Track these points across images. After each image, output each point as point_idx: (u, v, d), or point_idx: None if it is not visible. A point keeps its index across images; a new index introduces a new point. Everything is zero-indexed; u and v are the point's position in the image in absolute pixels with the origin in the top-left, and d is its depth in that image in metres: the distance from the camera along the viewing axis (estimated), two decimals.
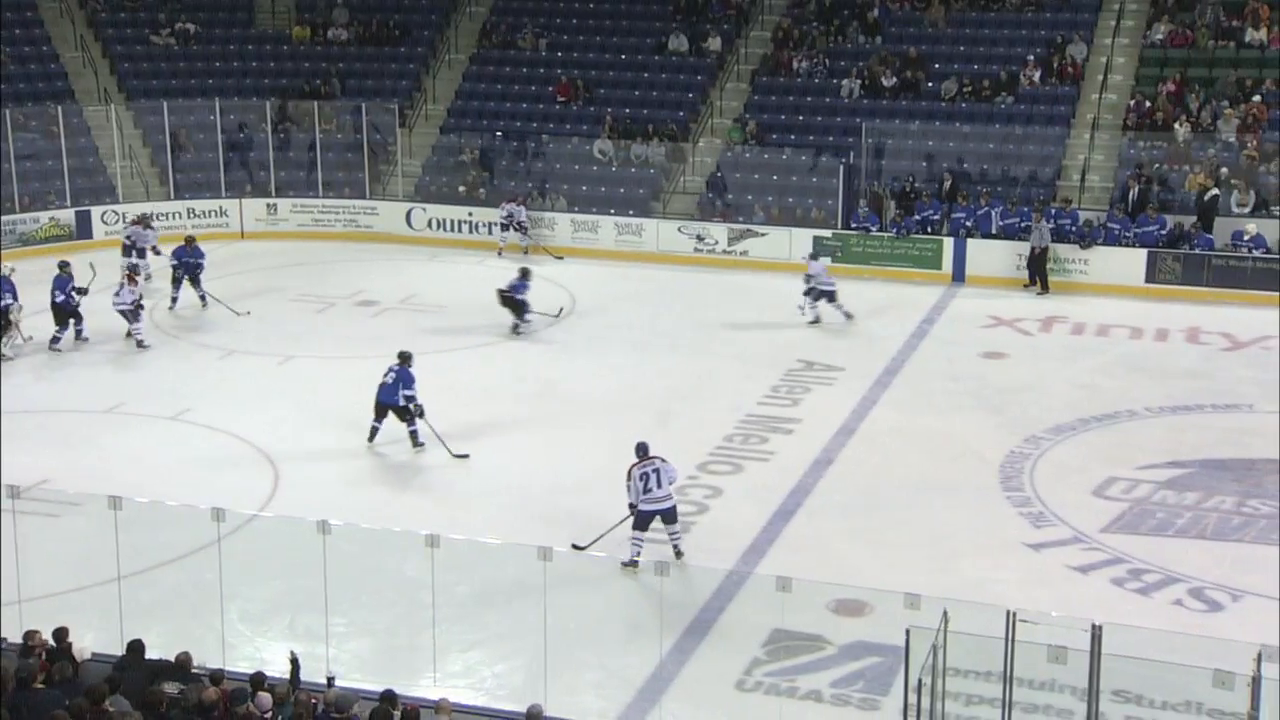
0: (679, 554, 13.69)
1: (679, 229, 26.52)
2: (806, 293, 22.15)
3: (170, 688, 9.57)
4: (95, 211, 27.04)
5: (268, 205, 28.29)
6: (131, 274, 21.77)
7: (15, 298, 20.42)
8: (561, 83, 29.82)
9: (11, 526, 12.18)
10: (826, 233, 25.65)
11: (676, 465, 13.95)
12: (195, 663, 10.31)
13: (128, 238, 24.27)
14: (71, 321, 20.65)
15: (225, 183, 28.40)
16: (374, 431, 16.88)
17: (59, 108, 27.78)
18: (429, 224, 27.79)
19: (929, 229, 25.26)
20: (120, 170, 28.30)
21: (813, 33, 29.53)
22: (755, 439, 17.36)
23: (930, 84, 28.01)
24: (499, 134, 29.05)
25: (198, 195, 28.19)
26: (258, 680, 9.85)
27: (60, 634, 10.38)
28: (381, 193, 28.80)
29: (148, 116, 29.05)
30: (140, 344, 20.60)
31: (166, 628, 11.63)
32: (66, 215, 26.65)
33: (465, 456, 16.65)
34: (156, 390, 18.95)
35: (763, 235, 25.98)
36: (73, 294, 20.52)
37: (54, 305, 20.49)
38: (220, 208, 28.09)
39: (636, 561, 13.48)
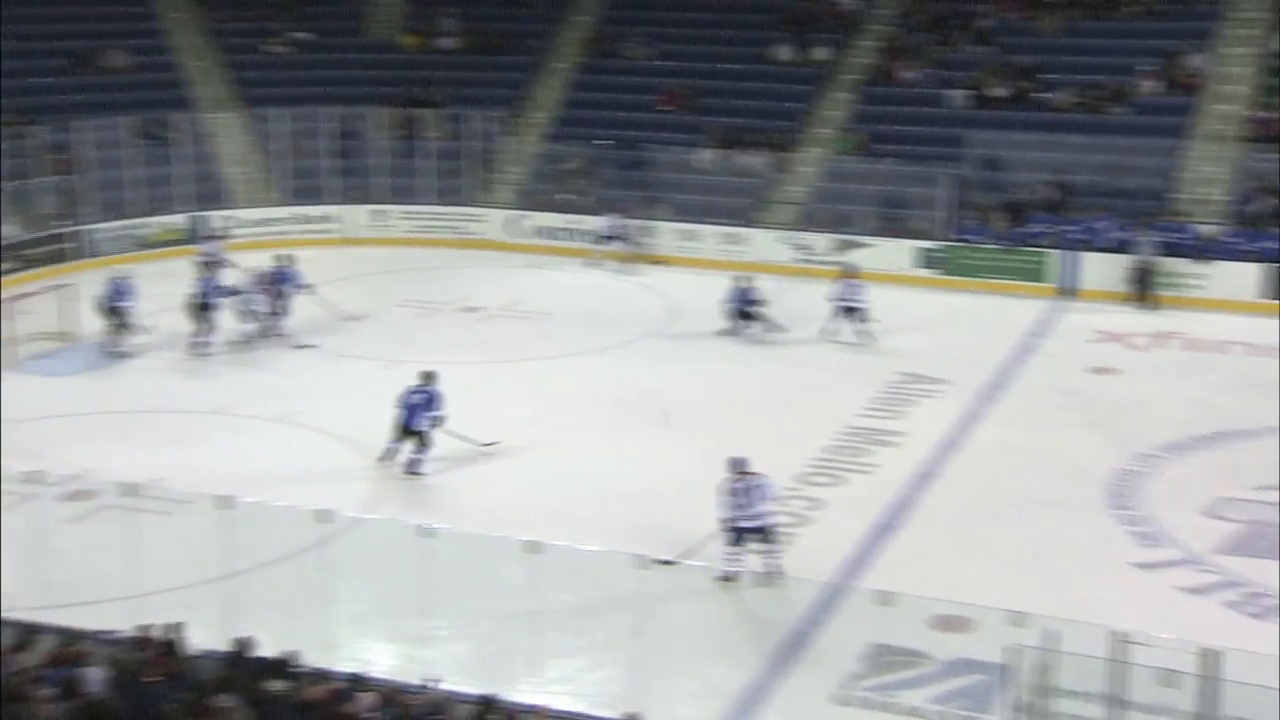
0: (777, 573, 13.46)
1: (780, 238, 26.41)
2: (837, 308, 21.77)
3: (277, 685, 9.73)
4: (212, 216, 27.63)
5: (375, 211, 28.70)
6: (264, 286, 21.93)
7: (133, 299, 20.97)
8: (667, 92, 29.87)
9: (128, 523, 12.48)
10: (932, 244, 25.37)
11: (773, 476, 13.85)
12: (301, 661, 10.47)
13: (205, 253, 24.14)
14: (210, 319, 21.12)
15: (335, 188, 28.86)
16: (391, 452, 16.42)
17: (179, 115, 28.44)
18: (533, 231, 28.00)
19: (1037, 241, 24.85)
20: (235, 176, 28.92)
21: (922, 43, 29.24)
22: (857, 451, 17.21)
23: (1041, 94, 27.57)
24: (603, 142, 29.17)
25: (309, 201, 28.69)
26: (360, 681, 9.97)
27: (173, 629, 10.61)
28: (487, 200, 29.07)
29: (262, 123, 29.65)
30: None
31: (273, 626, 11.78)
32: (183, 220, 27.26)
33: (495, 444, 16.74)
34: (266, 392, 19.31)
35: (866, 245, 25.77)
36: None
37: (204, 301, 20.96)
38: (329, 213, 28.56)
39: (734, 575, 13.40)
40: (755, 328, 21.82)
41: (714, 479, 13.94)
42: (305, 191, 28.91)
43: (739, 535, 13.42)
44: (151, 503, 13.90)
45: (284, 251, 22.71)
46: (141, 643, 10.44)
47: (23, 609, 11.38)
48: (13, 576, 12.81)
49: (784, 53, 30.05)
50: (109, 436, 17.64)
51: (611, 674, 12.03)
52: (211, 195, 28.40)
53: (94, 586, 13.04)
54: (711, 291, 24.78)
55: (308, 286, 22.41)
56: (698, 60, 30.70)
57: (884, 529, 14.95)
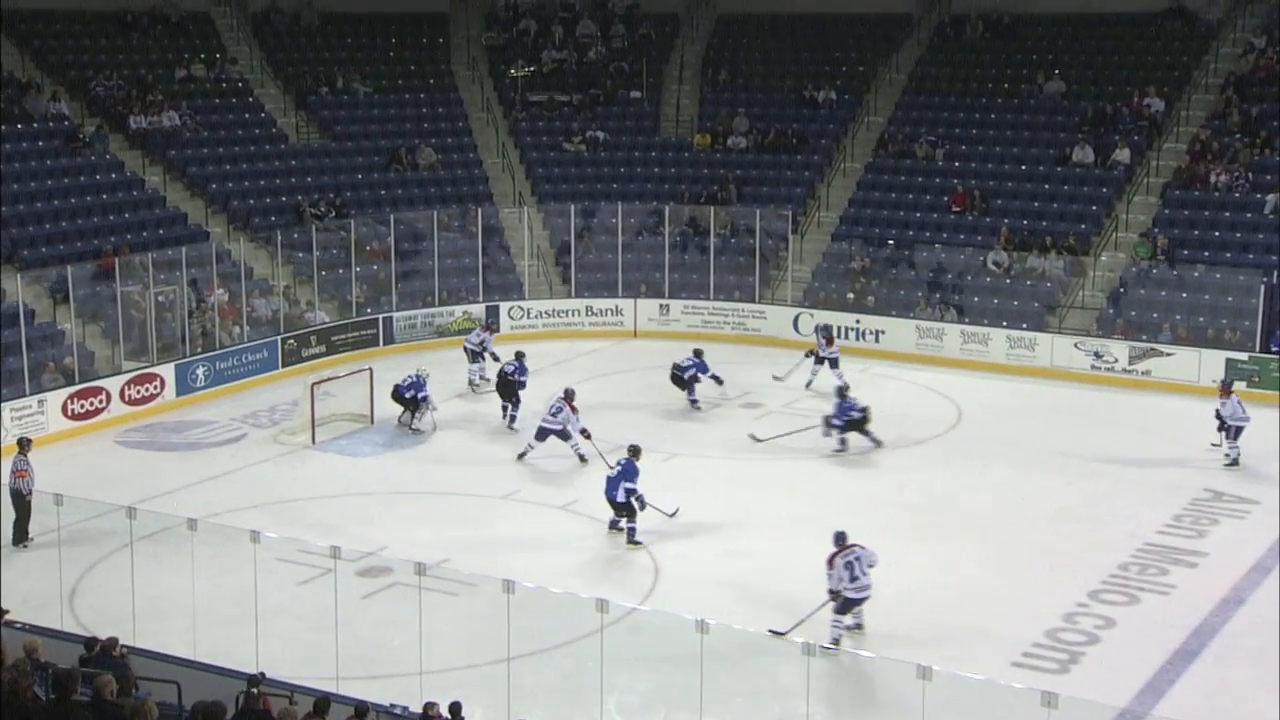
0: (858, 627, 14.19)
1: (1075, 345, 25.48)
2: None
3: None
4: (504, 307, 28.71)
5: (661, 306, 29.21)
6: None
7: (425, 390, 21.95)
8: (958, 192, 29.47)
9: (417, 601, 12.88)
10: (1242, 355, 23.99)
11: (1056, 589, 13.26)
12: None
13: (479, 342, 24.92)
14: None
15: (622, 283, 29.57)
16: (614, 523, 17.38)
17: (479, 209, 29.80)
18: (816, 329, 27.87)
19: None
20: (528, 269, 30.02)
21: (1234, 145, 27.95)
22: (1154, 569, 16.28)
23: None
24: (890, 242, 28.95)
25: (596, 294, 29.47)
26: None
27: (455, 708, 10.84)
28: (771, 297, 29.19)
29: (555, 219, 30.73)
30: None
31: (548, 712, 11.94)
32: (478, 309, 28.41)
33: (675, 513, 17.42)
34: (548, 480, 19.75)
35: (1168, 355, 24.56)
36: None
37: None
38: (616, 306, 29.24)
39: (839, 641, 13.83)
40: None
41: (994, 585, 13.43)
42: (594, 285, 29.70)
43: (846, 604, 13.95)
44: (439, 582, 14.32)
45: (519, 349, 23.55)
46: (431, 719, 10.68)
47: (317, 679, 11.85)
48: (307, 645, 13.41)
49: (1083, 154, 29.23)
50: (400, 516, 18.35)
51: None
52: (507, 286, 29.52)
53: (383, 661, 13.50)
54: (999, 396, 24.15)
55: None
56: (991, 161, 30.23)
57: (1184, 655, 14.02)
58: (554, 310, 29.10)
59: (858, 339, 27.32)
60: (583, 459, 20.19)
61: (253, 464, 20.57)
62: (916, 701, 10.64)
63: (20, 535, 16.75)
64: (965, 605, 15.18)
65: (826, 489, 19.41)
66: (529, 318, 28.80)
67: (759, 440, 21.18)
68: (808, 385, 24.35)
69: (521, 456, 20.41)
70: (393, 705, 11.57)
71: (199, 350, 24.46)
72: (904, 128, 31.54)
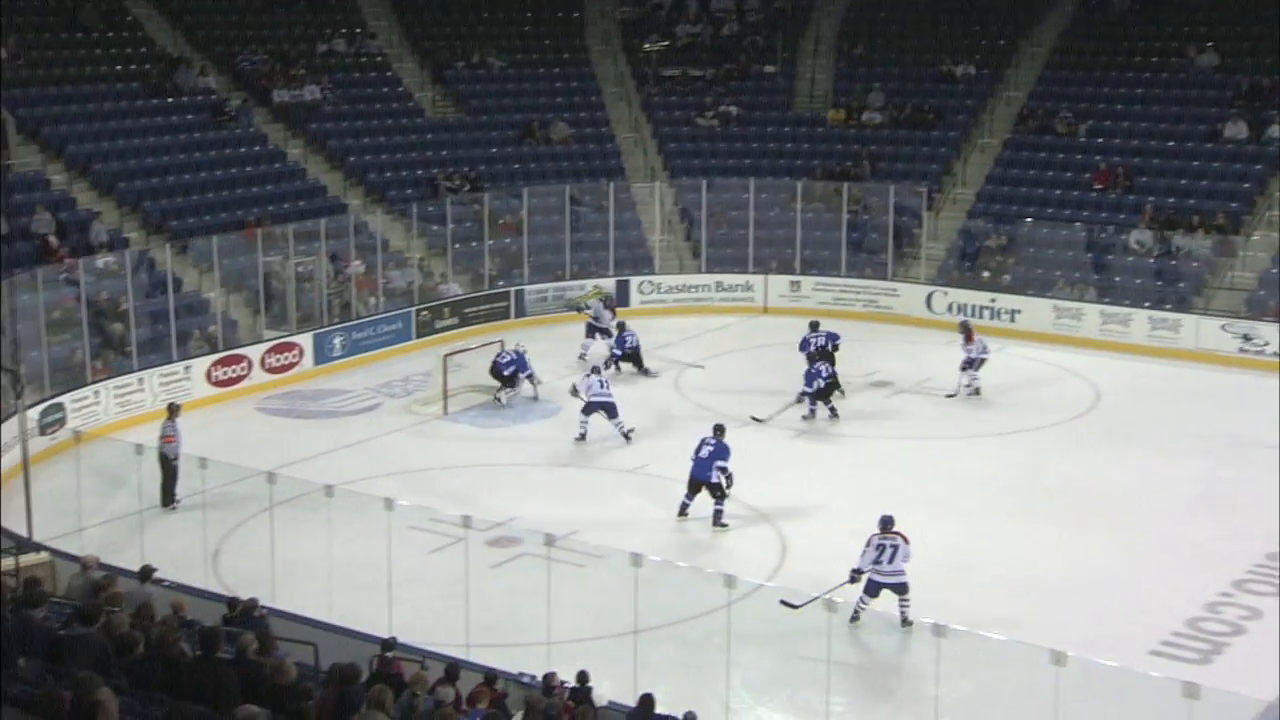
0: (906, 622, 13.76)
1: (1223, 326, 24.68)
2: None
3: None
4: (634, 281, 28.77)
5: (791, 282, 29.00)
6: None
7: (524, 369, 22.12)
8: (1100, 169, 28.70)
9: (545, 572, 13.01)
10: None
11: (1198, 577, 12.88)
12: None
13: (594, 317, 25.05)
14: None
15: (753, 258, 29.42)
16: (684, 507, 17.13)
17: (611, 184, 29.88)
18: (949, 308, 27.43)
19: None
20: (658, 243, 30.03)
21: None
22: None
23: None
24: (1028, 219, 28.33)
25: (727, 269, 29.36)
26: None
27: (582, 677, 10.94)
28: (903, 274, 28.80)
29: (687, 194, 30.67)
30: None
31: (674, 686, 11.96)
32: (608, 284, 28.51)
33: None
34: (676, 456, 19.73)
35: None
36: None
37: None
38: (747, 282, 29.10)
39: (857, 616, 13.78)
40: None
41: (1127, 572, 13.09)
42: (725, 260, 29.60)
43: (874, 587, 13.88)
44: (567, 554, 14.44)
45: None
46: (553, 689, 10.80)
47: (447, 645, 12.04)
48: (438, 613, 13.63)
49: (1235, 130, 28.26)
50: (529, 488, 18.54)
51: None
52: (637, 261, 29.57)
53: (511, 630, 13.67)
54: (1140, 378, 23.55)
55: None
56: (1137, 137, 29.37)
57: None
58: (684, 285, 29.09)
59: (992, 318, 26.80)
60: (628, 437, 20.20)
61: (386, 433, 20.95)
62: (1049, 686, 10.44)
63: (168, 497, 17.30)
64: (1100, 591, 14.85)
65: (956, 470, 19.12)
66: (659, 292, 28.82)
67: (759, 420, 20.98)
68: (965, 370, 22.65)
69: (581, 438, 20.33)
70: (520, 674, 11.73)
71: (336, 320, 24.97)
72: (1045, 103, 30.79)
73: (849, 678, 12.56)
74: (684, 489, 17.19)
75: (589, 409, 20.30)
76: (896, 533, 14.01)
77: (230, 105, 28.86)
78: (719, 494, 16.99)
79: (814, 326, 23.14)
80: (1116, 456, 19.63)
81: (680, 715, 10.61)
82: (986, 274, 27.89)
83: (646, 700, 10.60)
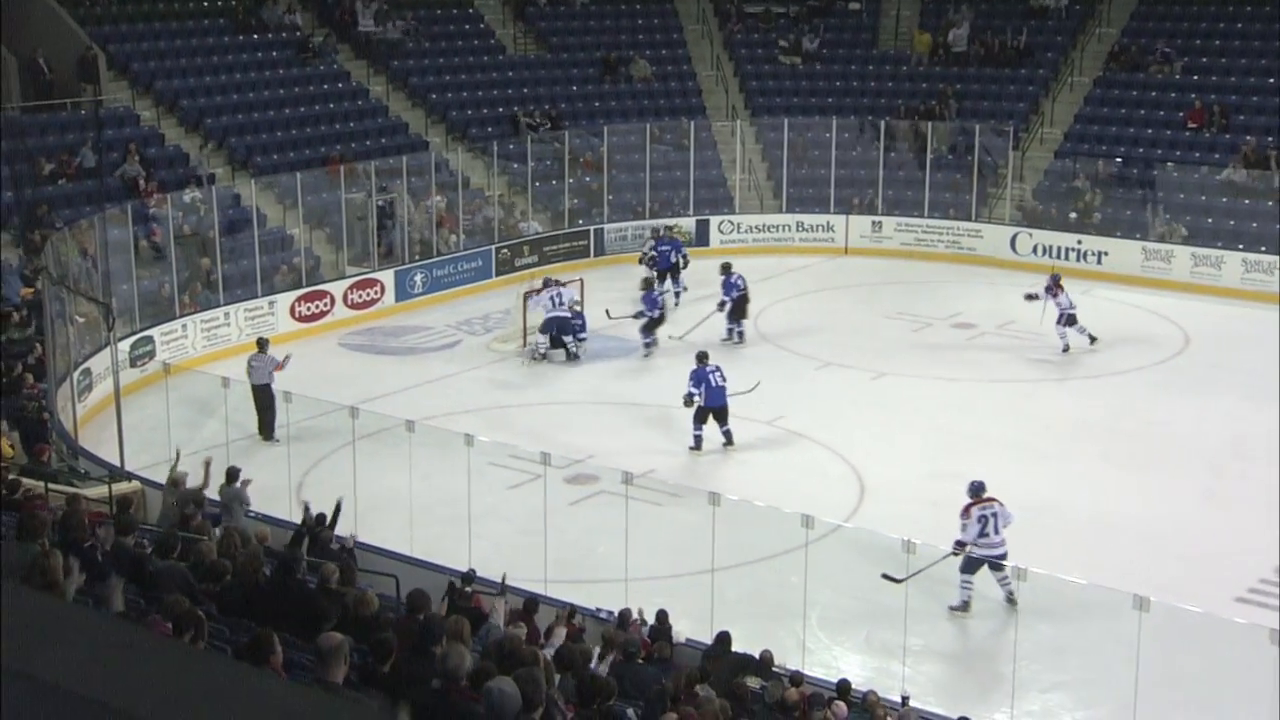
0: (1012, 600, 12.72)
1: None
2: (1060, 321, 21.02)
3: (753, 683, 9.86)
4: (713, 221, 28.62)
5: (873, 223, 28.69)
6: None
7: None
8: (1195, 108, 27.99)
9: (623, 510, 13.08)
10: None
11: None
12: (776, 662, 10.57)
13: (653, 250, 24.70)
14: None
15: (834, 198, 29.12)
16: (699, 440, 17.37)
17: (691, 122, 29.67)
18: (1034, 249, 27.03)
19: None
20: (739, 183, 29.82)
21: None
22: None
23: None
24: (1118, 159, 27.75)
25: (807, 210, 29.10)
26: (843, 687, 9.93)
27: (661, 616, 11.01)
28: (988, 215, 28.37)
29: (768, 133, 30.39)
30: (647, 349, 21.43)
31: (751, 624, 12.00)
32: (688, 223, 28.40)
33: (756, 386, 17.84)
34: (756, 394, 19.69)
35: None
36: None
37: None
38: (827, 223, 28.84)
39: (967, 605, 12.75)
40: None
41: (1207, 520, 12.84)
42: (806, 200, 29.34)
43: (975, 563, 12.81)
44: (645, 492, 14.50)
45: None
46: (629, 625, 10.88)
47: (525, 580, 12.17)
48: (516, 548, 13.78)
49: None
50: (606, 425, 18.61)
51: (1095, 715, 11.35)
52: (717, 200, 29.40)
53: (588, 566, 13.78)
54: (1231, 323, 23.09)
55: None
56: (1234, 75, 28.58)
57: None
58: (764, 225, 28.91)
59: (1079, 260, 26.37)
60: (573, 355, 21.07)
61: (466, 370, 21.12)
62: (1131, 631, 10.33)
63: (267, 429, 17.53)
64: (1184, 538, 14.65)
65: (1038, 412, 18.90)
66: (739, 232, 28.68)
67: (611, 317, 21.78)
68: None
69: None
70: (598, 609, 11.82)
71: (417, 257, 25.14)
72: (1138, 40, 30.04)
73: (926, 619, 12.52)
74: (693, 426, 17.47)
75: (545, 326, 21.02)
76: (991, 499, 13.20)
77: (313, 42, 28.99)
78: (726, 417, 17.37)
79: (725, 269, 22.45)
80: (1203, 402, 19.28)
81: (757, 653, 10.66)
82: (1073, 215, 27.39)
83: (723, 638, 10.66)
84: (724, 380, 17.42)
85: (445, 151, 28.02)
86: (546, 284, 21.68)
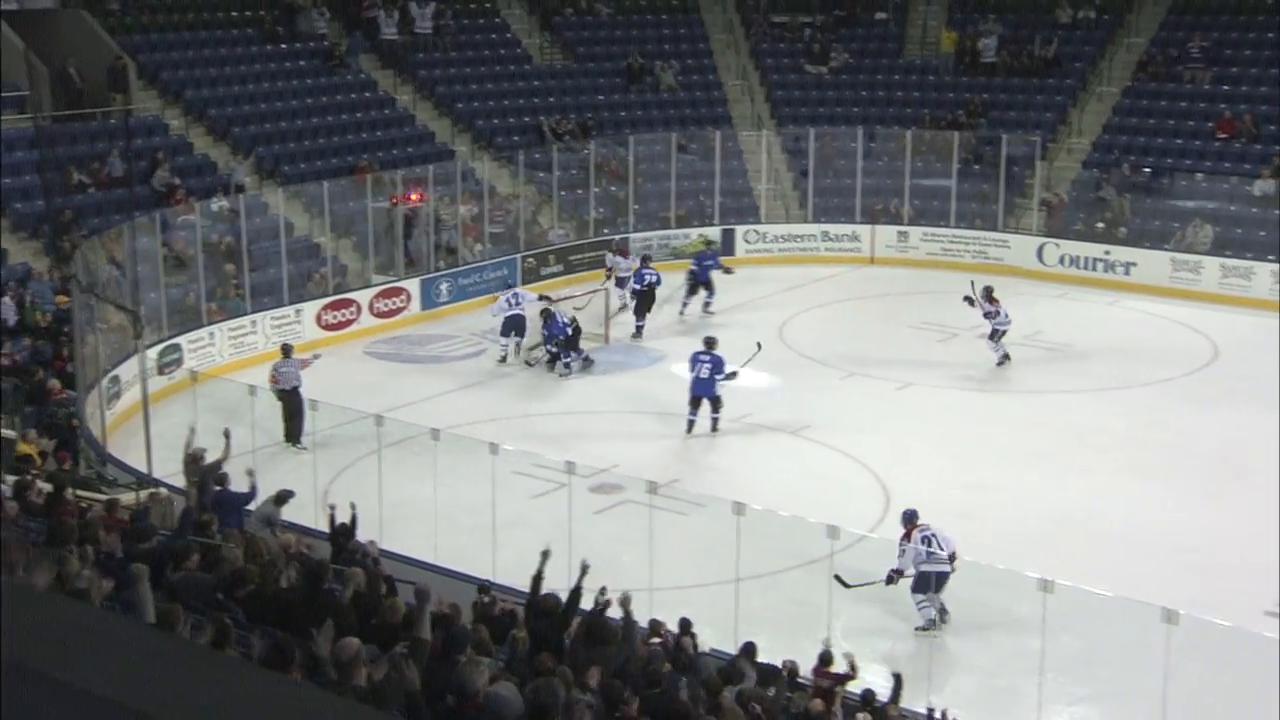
0: (944, 617, 12.94)
1: None
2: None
3: (774, 692, 9.82)
4: (739, 230, 28.60)
5: (899, 232, 28.61)
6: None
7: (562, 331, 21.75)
8: (1225, 118, 27.82)
9: (647, 519, 13.06)
10: None
11: None
12: (799, 673, 10.52)
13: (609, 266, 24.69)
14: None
15: (860, 208, 29.05)
16: (690, 424, 18.03)
17: (717, 132, 29.66)
18: (1061, 260, 26.90)
19: None
20: (765, 192, 29.79)
21: None
22: None
23: None
24: (1146, 170, 27.60)
25: (833, 219, 29.04)
26: (868, 697, 9.89)
27: (685, 625, 10.97)
28: (1014, 226, 28.25)
29: (794, 142, 30.35)
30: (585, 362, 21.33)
31: (775, 634, 11.95)
32: (713, 232, 28.37)
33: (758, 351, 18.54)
34: (781, 404, 19.69)
35: None
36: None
37: None
38: (853, 232, 28.78)
39: (933, 622, 12.77)
40: None
41: (1238, 531, 12.75)
42: (832, 210, 29.28)
43: (924, 580, 12.92)
44: (669, 501, 14.48)
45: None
46: (655, 634, 10.85)
47: (550, 589, 12.11)
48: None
49: None
50: (632, 435, 18.60)
51: None
52: (743, 210, 29.38)
53: (613, 576, 13.72)
54: (1260, 334, 22.93)
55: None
56: (1266, 84, 28.39)
57: None
58: (790, 235, 28.86)
59: (1107, 271, 26.25)
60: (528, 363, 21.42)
61: (491, 379, 21.15)
62: (1159, 644, 10.24)
63: (294, 435, 17.60)
64: (1212, 550, 14.52)
65: (1066, 424, 18.79)
66: (765, 241, 28.65)
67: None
68: None
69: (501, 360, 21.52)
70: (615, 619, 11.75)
71: (442, 266, 25.20)
72: (1167, 49, 29.89)
73: (952, 630, 12.46)
74: (688, 409, 18.19)
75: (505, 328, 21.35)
76: (924, 524, 13.19)
77: (339, 49, 29.10)
78: (719, 405, 17.99)
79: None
80: (1232, 413, 19.13)
81: (780, 664, 10.61)
82: (1101, 225, 27.26)
83: (748, 648, 10.61)
84: (713, 372, 17.88)
85: (471, 160, 28.09)
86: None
